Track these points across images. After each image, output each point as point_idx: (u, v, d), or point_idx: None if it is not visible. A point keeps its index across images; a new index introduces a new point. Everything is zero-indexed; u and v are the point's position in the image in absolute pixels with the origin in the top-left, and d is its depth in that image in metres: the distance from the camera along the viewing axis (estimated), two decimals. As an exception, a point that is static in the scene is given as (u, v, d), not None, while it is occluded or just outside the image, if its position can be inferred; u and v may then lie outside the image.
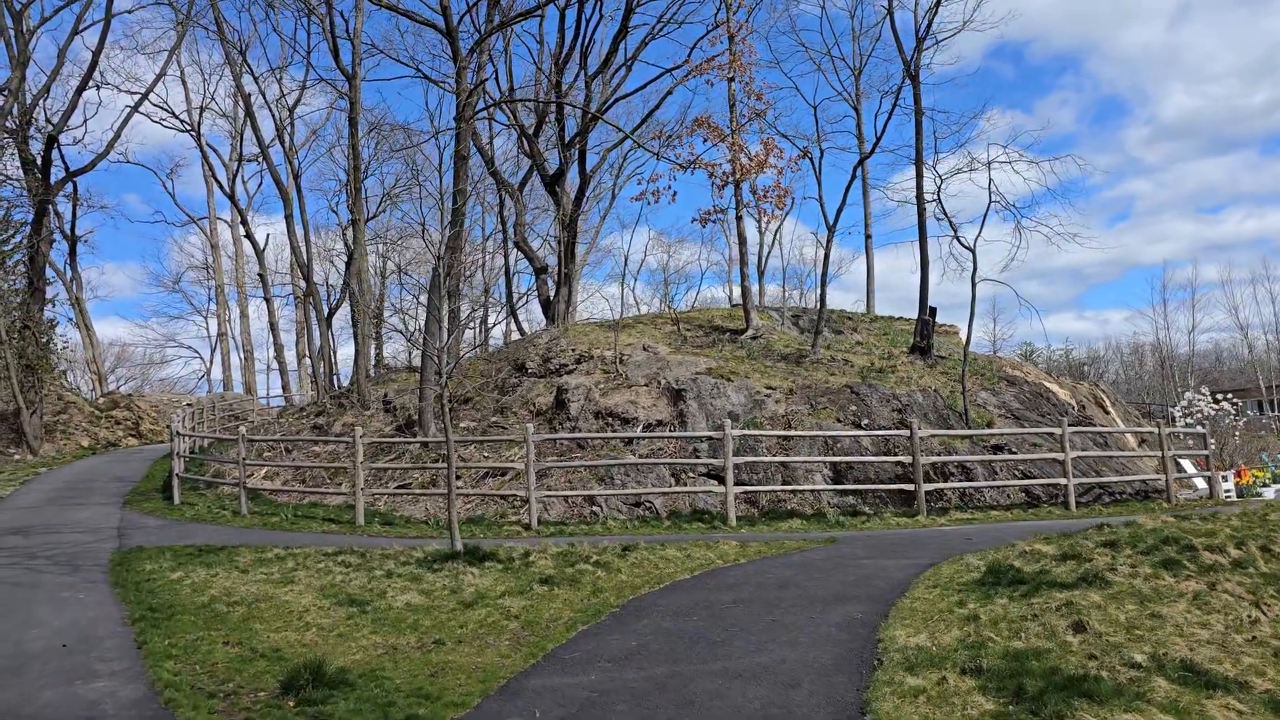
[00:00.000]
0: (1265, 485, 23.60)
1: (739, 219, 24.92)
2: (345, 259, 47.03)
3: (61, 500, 19.88)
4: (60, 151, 36.93)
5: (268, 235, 77.49)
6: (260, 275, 48.62)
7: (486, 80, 28.71)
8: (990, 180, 19.23)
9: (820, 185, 26.56)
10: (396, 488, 18.81)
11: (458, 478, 19.70)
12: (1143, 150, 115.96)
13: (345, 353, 51.35)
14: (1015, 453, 18.68)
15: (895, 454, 17.66)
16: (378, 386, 26.66)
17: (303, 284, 51.61)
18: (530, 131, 33.68)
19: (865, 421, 18.60)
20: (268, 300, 48.78)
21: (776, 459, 17.12)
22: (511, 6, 28.97)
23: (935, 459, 17.19)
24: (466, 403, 23.12)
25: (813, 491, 16.94)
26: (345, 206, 49.09)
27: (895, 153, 70.49)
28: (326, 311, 39.64)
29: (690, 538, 13.05)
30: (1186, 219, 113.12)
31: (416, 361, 56.67)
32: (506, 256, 38.99)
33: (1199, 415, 23.36)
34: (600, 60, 34.28)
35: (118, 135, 39.84)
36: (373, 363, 39.32)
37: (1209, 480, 19.94)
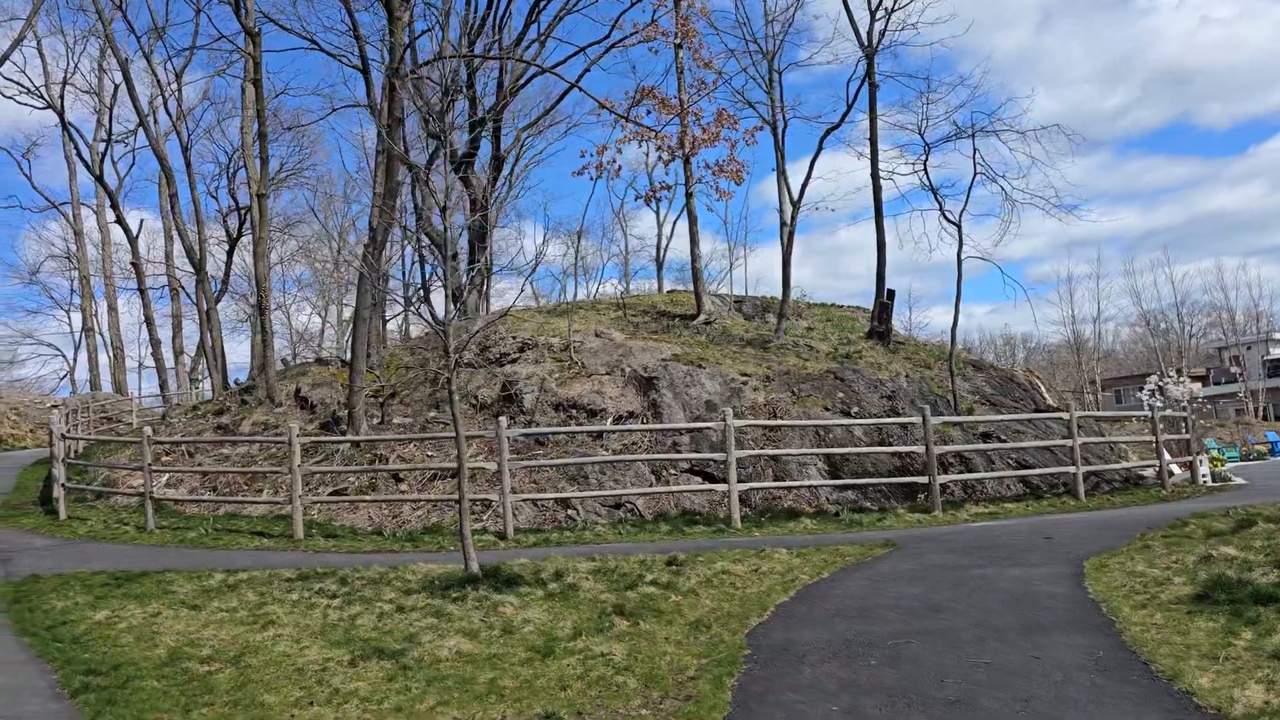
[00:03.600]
0: (1221, 467, 23.28)
1: (689, 195, 23.21)
2: (228, 246, 43.53)
3: (-86, 519, 16.71)
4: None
5: (141, 221, 72.01)
6: (134, 264, 44.39)
7: (422, 36, 26.20)
8: (975, 150, 17.93)
9: (783, 158, 24.78)
10: (330, 494, 16.39)
11: (399, 480, 17.43)
12: (1008, 150, 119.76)
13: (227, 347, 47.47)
14: (1004, 440, 17.53)
15: (891, 444, 16.25)
16: (286, 381, 23.92)
17: (184, 271, 47.55)
18: (438, 111, 31.36)
19: (855, 410, 17.12)
20: (142, 291, 44.53)
21: (766, 452, 15.44)
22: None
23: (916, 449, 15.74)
24: (394, 397, 20.76)
25: (809, 488, 15.35)
26: (226, 191, 45.47)
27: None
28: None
29: (711, 544, 11.25)
30: (1047, 216, 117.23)
31: (306, 356, 53.07)
32: (417, 243, 36.31)
33: (1171, 397, 22.90)
34: (515, 36, 32.19)
35: (-33, 106, 35.60)
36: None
37: (1188, 465, 19.22)
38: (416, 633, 6.67)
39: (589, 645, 6.18)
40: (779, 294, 36.42)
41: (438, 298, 45.97)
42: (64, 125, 44.55)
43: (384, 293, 23.02)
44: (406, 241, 39.99)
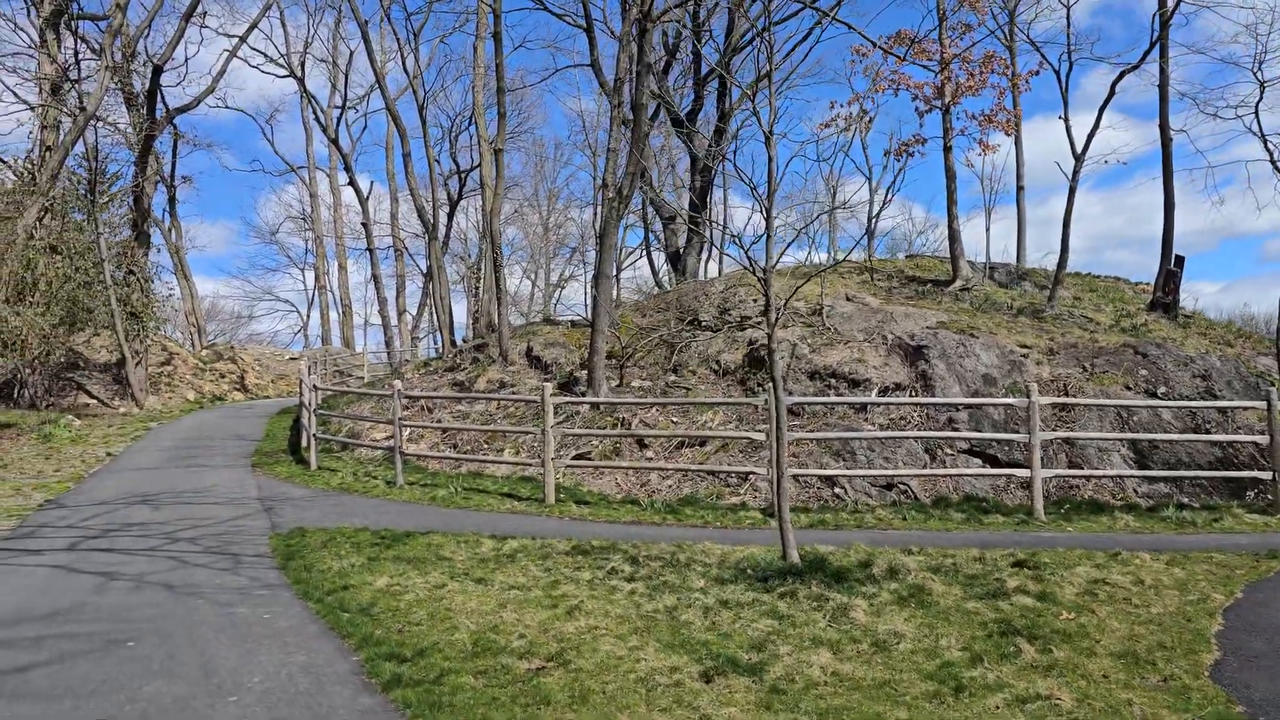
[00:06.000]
0: None
1: (947, 149, 21.15)
2: (448, 209, 44.36)
3: (181, 461, 17.22)
4: (160, 91, 34.38)
5: (371, 184, 75.19)
6: (363, 225, 46.06)
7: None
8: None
9: (1066, 104, 21.95)
10: (574, 457, 15.68)
11: (644, 446, 16.57)
12: (1249, 111, 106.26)
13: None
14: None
15: (1209, 430, 14.01)
16: (516, 339, 23.60)
17: (408, 232, 48.99)
18: (659, 68, 30.48)
19: (1161, 390, 14.90)
20: (371, 251, 46.19)
21: (1059, 435, 13.52)
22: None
23: (1258, 439, 13.36)
24: (629, 359, 19.92)
25: (1115, 478, 13.36)
26: (448, 155, 46.35)
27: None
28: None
29: (1022, 539, 9.68)
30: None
31: (516, 319, 53.78)
32: (644, 203, 35.66)
33: None
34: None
35: (222, 72, 37.43)
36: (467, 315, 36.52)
37: None
38: (761, 639, 5.51)
39: (1003, 678, 4.83)
40: (1025, 260, 33.62)
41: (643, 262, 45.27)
42: (303, 92, 46.58)
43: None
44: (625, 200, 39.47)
